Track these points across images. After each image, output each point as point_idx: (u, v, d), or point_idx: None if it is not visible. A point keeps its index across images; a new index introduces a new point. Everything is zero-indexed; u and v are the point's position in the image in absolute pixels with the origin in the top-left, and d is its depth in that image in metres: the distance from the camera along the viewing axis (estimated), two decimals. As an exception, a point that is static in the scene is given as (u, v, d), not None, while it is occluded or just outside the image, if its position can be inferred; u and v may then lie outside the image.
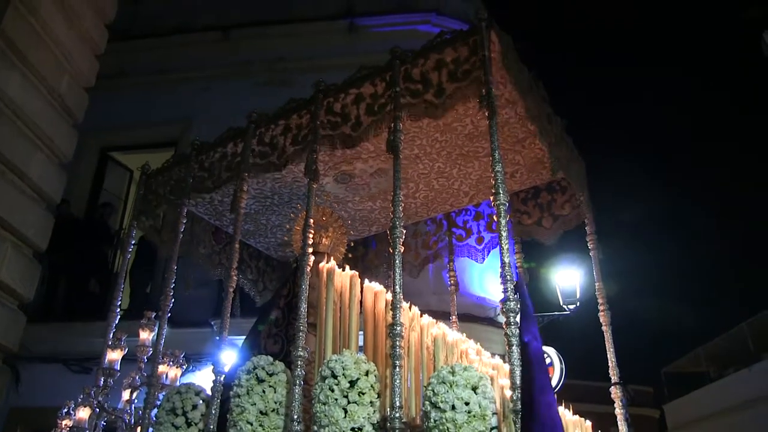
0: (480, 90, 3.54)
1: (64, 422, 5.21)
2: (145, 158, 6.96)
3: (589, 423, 4.27)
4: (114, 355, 4.96)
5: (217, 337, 4.05)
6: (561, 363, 7.86)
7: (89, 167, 10.33)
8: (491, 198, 3.40)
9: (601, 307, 4.57)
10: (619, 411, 4.30)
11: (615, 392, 4.36)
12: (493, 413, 3.00)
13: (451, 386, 3.03)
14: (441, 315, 4.60)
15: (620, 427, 4.27)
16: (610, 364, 4.41)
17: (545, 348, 7.94)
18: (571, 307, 8.94)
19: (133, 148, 10.71)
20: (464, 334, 4.20)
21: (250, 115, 4.60)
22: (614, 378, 4.38)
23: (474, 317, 7.50)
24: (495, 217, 3.30)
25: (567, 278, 9.11)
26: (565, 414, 3.86)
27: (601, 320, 4.54)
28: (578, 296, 8.94)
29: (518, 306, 3.10)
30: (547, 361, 7.75)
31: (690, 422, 17.47)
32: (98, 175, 10.43)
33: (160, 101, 10.28)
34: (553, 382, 7.51)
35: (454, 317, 5.41)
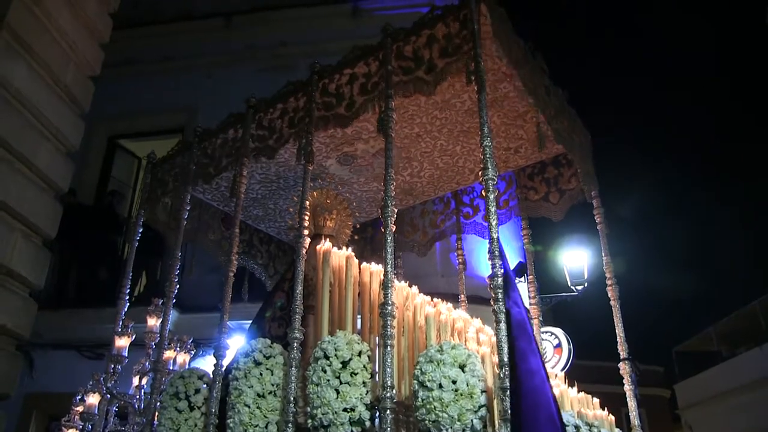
0: (469, 64, 3.50)
1: (77, 408, 5.30)
2: (152, 145, 7.00)
3: (596, 400, 4.28)
4: (122, 342, 5.03)
5: (221, 322, 4.10)
6: (569, 344, 7.88)
7: (97, 155, 10.38)
8: (476, 173, 3.37)
9: (609, 282, 4.54)
10: (628, 387, 4.28)
11: (624, 368, 4.33)
12: (482, 391, 2.98)
13: (438, 364, 3.03)
14: (449, 297, 4.60)
15: (629, 404, 4.26)
16: (618, 339, 4.36)
17: (553, 329, 7.97)
18: (579, 287, 8.93)
19: (141, 136, 10.75)
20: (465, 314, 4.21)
21: (249, 101, 4.63)
22: (623, 354, 4.34)
23: (481, 299, 7.51)
24: (483, 192, 3.28)
25: (575, 259, 9.09)
26: (569, 392, 3.88)
27: (609, 295, 4.50)
28: (586, 277, 8.93)
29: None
30: (555, 342, 7.77)
31: (701, 402, 17.48)
32: (106, 162, 10.48)
33: (166, 88, 10.30)
34: (561, 363, 7.54)
35: (462, 296, 5.40)
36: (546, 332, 7.69)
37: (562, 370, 7.35)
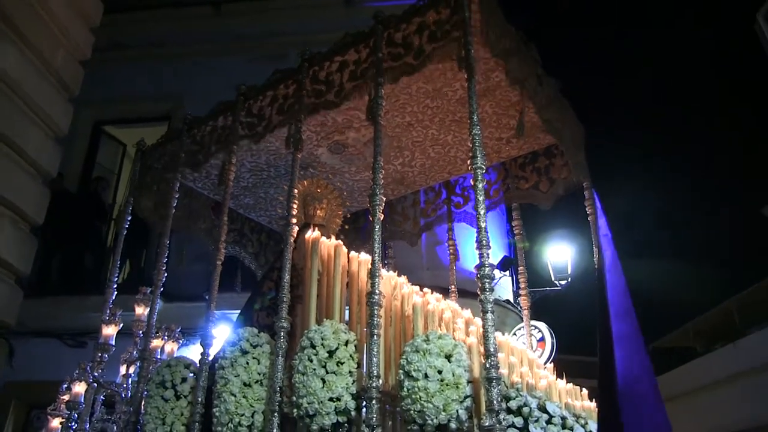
0: (459, 51, 3.48)
1: (63, 397, 5.26)
2: (137, 132, 6.95)
3: (585, 391, 4.30)
4: (109, 330, 4.99)
5: (208, 311, 4.09)
6: (552, 338, 7.94)
7: (82, 141, 10.26)
8: (468, 162, 3.36)
9: None
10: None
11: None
12: (468, 381, 2.99)
13: (424, 354, 3.02)
14: (435, 291, 4.62)
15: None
16: None
17: (537, 323, 8.01)
18: (563, 282, 9.01)
19: (126, 122, 10.64)
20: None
21: (239, 88, 4.62)
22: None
23: (467, 292, 7.56)
24: (472, 181, 3.28)
25: (559, 254, 9.17)
26: (557, 383, 3.92)
27: None
28: (570, 271, 9.00)
29: (493, 272, 3.10)
30: (539, 335, 7.84)
31: (678, 396, 17.67)
32: (91, 149, 10.37)
33: (153, 75, 10.21)
34: (545, 357, 7.60)
35: (453, 287, 5.38)
36: (530, 326, 7.75)
37: (545, 363, 7.42)
